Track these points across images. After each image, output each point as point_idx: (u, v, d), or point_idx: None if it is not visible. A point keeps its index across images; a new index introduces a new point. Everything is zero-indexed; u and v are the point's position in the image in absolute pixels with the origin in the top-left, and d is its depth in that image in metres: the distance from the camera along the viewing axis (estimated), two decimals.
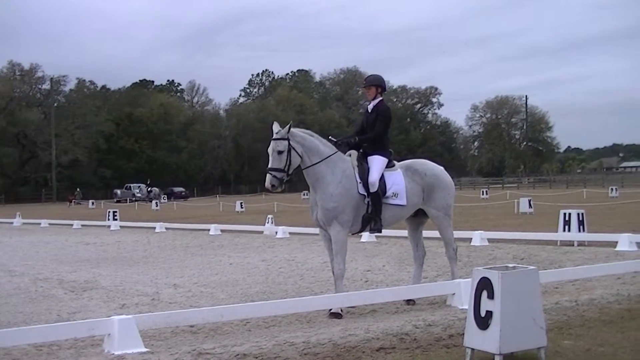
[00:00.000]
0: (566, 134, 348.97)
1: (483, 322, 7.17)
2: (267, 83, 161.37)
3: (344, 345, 8.62)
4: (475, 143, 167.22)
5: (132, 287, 14.71)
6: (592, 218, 24.19)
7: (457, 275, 12.25)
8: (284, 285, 14.32)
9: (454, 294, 11.25)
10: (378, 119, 11.80)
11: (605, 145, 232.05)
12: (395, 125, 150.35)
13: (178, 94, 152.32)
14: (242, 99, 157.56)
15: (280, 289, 13.92)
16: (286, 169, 11.09)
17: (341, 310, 10.99)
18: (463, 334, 7.61)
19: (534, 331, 7.23)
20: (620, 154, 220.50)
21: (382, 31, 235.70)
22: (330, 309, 10.93)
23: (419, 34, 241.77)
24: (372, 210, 11.40)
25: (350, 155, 11.67)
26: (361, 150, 11.77)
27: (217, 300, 12.79)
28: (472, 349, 7.34)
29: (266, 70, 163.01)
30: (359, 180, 11.34)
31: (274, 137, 11.16)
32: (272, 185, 11.06)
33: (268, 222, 29.46)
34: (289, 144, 11.11)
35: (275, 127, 11.29)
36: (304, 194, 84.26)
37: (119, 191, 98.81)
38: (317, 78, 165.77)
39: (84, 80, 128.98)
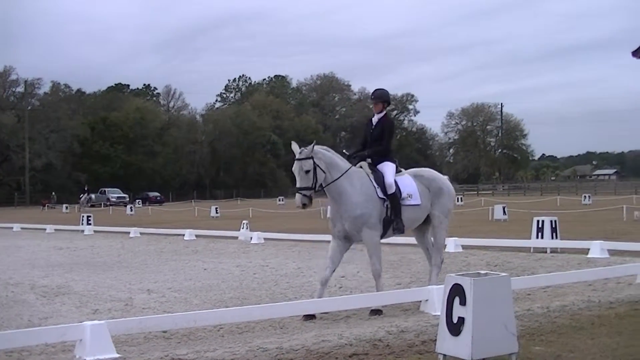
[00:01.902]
0: (541, 142, 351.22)
1: (455, 328, 7.20)
2: (243, 88, 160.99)
3: (317, 351, 8.63)
4: (451, 150, 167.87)
5: (105, 292, 14.63)
6: (565, 225, 24.33)
7: (435, 283, 12.37)
8: (258, 291, 14.30)
9: (426, 300, 11.29)
10: (385, 132, 12.45)
11: (579, 153, 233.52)
12: None
13: (154, 98, 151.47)
14: (218, 104, 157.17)
15: (254, 294, 13.90)
16: (313, 185, 11.53)
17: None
18: (435, 340, 7.64)
19: (506, 337, 7.27)
20: (594, 162, 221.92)
21: (360, 38, 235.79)
22: (371, 308, 11.47)
23: (396, 41, 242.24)
24: (392, 212, 11.96)
25: (361, 167, 12.22)
26: (369, 161, 12.34)
27: (191, 305, 12.75)
28: (445, 355, 7.37)
29: (243, 75, 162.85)
30: (376, 186, 11.91)
31: (298, 157, 11.55)
32: (304, 204, 11.54)
33: (243, 228, 29.38)
34: (314, 162, 11.50)
35: (295, 146, 11.79)
36: (279, 200, 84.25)
37: (93, 195, 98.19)
38: (294, 84, 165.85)
39: (59, 84, 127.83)
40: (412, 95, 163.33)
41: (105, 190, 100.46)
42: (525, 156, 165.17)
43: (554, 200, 62.54)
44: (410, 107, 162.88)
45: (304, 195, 11.45)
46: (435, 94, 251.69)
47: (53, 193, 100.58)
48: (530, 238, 21.00)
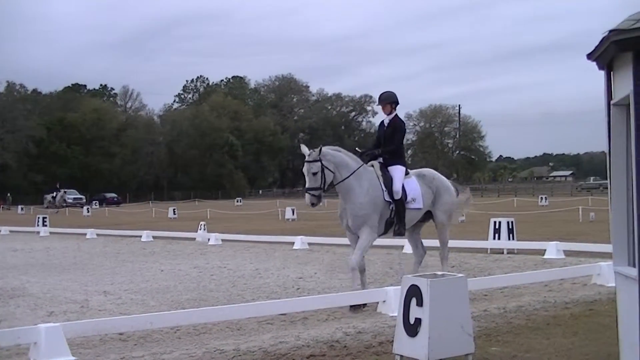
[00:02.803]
0: (498, 144, 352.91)
1: (412, 329, 7.23)
2: (201, 89, 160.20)
3: (275, 353, 8.63)
4: (409, 151, 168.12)
5: (61, 294, 14.48)
6: (521, 226, 24.53)
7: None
8: (215, 293, 14.23)
9: (384, 301, 11.31)
10: (396, 132, 13.08)
11: (536, 154, 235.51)
12: (329, 133, 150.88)
13: (111, 98, 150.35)
14: (176, 105, 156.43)
15: (212, 296, 13.83)
16: (322, 186, 12.18)
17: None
18: (393, 341, 7.65)
19: (462, 338, 7.31)
20: (550, 164, 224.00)
21: (318, 39, 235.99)
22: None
23: (354, 42, 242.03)
24: (396, 216, 12.60)
25: (372, 166, 12.82)
26: (381, 160, 12.96)
27: (148, 307, 12.66)
28: (401, 356, 7.39)
29: (201, 76, 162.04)
30: (384, 189, 12.52)
31: (306, 159, 12.23)
32: (312, 204, 12.30)
33: (201, 229, 29.26)
34: (322, 164, 12.13)
35: (304, 149, 12.48)
36: (237, 201, 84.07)
37: (49, 196, 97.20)
38: (252, 85, 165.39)
39: (14, 84, 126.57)
40: (370, 97, 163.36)
41: (52, 191, 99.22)
42: (483, 158, 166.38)
43: (511, 201, 63.04)
44: (369, 108, 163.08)
45: (313, 195, 12.15)
46: None
47: (8, 194, 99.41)
48: (487, 239, 21.13)
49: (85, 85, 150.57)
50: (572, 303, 11.80)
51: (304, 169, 12.25)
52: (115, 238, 31.02)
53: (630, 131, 5.21)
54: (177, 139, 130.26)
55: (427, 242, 19.93)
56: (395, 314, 8.14)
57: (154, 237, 29.37)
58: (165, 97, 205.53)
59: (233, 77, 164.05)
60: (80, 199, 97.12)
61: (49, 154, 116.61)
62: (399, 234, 12.91)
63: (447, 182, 13.96)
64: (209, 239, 26.90)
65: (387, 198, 12.48)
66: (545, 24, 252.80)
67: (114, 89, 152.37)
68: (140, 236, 29.63)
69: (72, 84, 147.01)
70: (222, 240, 26.59)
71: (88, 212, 63.56)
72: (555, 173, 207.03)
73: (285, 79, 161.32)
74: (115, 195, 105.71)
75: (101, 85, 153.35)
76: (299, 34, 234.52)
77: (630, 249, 5.61)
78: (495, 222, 21.04)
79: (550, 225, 31.24)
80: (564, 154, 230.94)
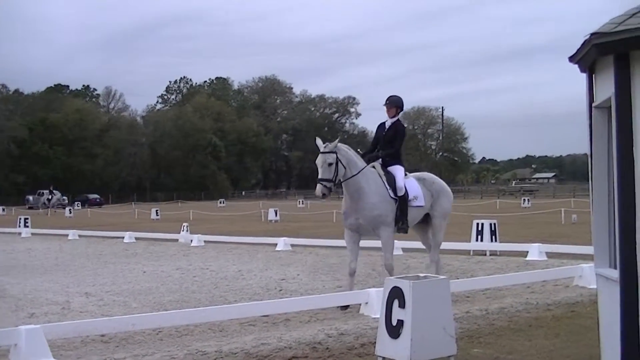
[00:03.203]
0: (481, 146, 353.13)
1: (394, 331, 7.22)
2: (184, 90, 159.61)
3: (257, 354, 8.62)
4: None
5: (42, 295, 14.41)
6: (504, 228, 24.60)
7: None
8: (197, 294, 14.20)
9: (366, 303, 11.32)
10: (397, 136, 13.52)
11: (518, 156, 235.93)
12: (312, 134, 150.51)
13: (94, 99, 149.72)
14: (159, 106, 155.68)
15: (194, 297, 13.80)
16: (334, 178, 12.36)
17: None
18: (375, 342, 7.65)
19: (445, 340, 7.32)
20: (533, 166, 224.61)
21: (302, 40, 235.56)
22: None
23: (338, 44, 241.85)
24: (400, 212, 12.89)
25: (374, 167, 13.11)
26: (381, 162, 13.26)
27: (130, 309, 12.61)
28: (384, 358, 7.38)
29: (184, 77, 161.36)
30: (388, 187, 12.84)
31: (322, 150, 12.48)
32: (323, 194, 12.39)
33: (183, 230, 29.22)
34: (337, 157, 12.37)
35: (319, 141, 12.79)
36: (220, 202, 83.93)
37: (31, 197, 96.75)
38: (236, 86, 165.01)
39: None
40: (354, 98, 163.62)
41: (43, 192, 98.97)
42: (466, 159, 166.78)
43: (493, 203, 63.20)
44: (352, 109, 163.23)
45: (325, 186, 12.28)
46: (377, 97, 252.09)
47: None
48: (470, 241, 21.18)
49: (68, 86, 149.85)
50: (554, 305, 11.84)
51: (318, 160, 12.43)
52: (97, 239, 30.87)
53: (611, 133, 5.23)
54: (160, 140, 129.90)
55: (406, 244, 19.99)
56: (378, 316, 8.14)
57: (136, 239, 29.27)
58: (148, 98, 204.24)
59: (216, 78, 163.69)
60: (63, 199, 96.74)
61: (31, 155, 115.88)
62: (404, 230, 13.17)
63: (446, 187, 14.34)
64: (191, 240, 26.84)
65: (392, 195, 12.81)
66: (529, 27, 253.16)
67: (96, 90, 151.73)
68: (123, 237, 29.52)
69: (54, 85, 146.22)
70: (205, 241, 26.53)
71: (70, 213, 63.28)
72: (537, 175, 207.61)
73: (269, 80, 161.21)
74: (98, 196, 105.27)
75: (84, 85, 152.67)
76: (283, 35, 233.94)
77: (612, 251, 5.63)
78: (477, 224, 21.09)
79: (532, 227, 31.35)
80: (546, 156, 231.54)
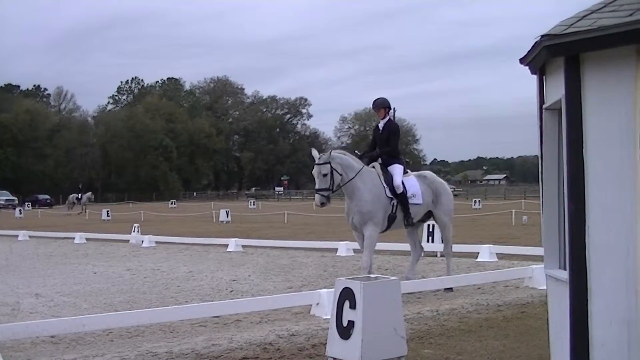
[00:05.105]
0: (433, 147, 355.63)
1: (345, 332, 7.21)
2: (136, 90, 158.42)
3: (208, 355, 8.59)
4: None
5: None
6: (455, 229, 24.59)
7: (451, 271, 14.73)
8: (148, 295, 14.11)
9: (317, 303, 11.30)
10: (391, 135, 14.10)
11: (470, 158, 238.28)
12: (263, 135, 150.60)
13: (44, 99, 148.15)
14: (110, 106, 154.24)
15: (145, 298, 13.70)
16: (331, 187, 13.02)
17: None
18: (326, 343, 7.64)
19: (395, 341, 7.32)
20: (484, 167, 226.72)
21: (254, 41, 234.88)
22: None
23: (289, 45, 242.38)
24: (402, 209, 13.59)
25: (374, 167, 13.78)
26: (380, 161, 13.92)
27: (80, 310, 12.49)
28: (334, 359, 7.36)
29: (135, 77, 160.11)
30: (385, 186, 13.45)
31: (317, 162, 13.07)
32: (322, 203, 13.09)
33: (134, 231, 29.00)
34: (331, 166, 13.00)
35: (315, 153, 13.37)
36: (171, 203, 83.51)
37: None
38: (187, 87, 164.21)
39: None
40: (306, 99, 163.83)
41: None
42: (417, 161, 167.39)
43: None
44: (304, 110, 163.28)
45: (322, 195, 12.98)
46: (328, 98, 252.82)
47: None
48: (421, 242, 21.20)
49: (18, 86, 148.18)
50: (505, 306, 11.92)
51: (314, 171, 13.04)
52: (47, 240, 30.57)
53: (561, 135, 5.26)
54: (111, 141, 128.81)
55: (357, 245, 20.00)
56: (329, 317, 8.13)
57: (87, 239, 29.04)
58: (99, 99, 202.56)
59: (168, 78, 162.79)
60: (12, 200, 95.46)
61: None
62: (409, 224, 13.97)
63: (446, 185, 15.13)
64: (142, 241, 26.67)
65: (389, 194, 13.39)
66: (479, 29, 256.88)
67: (47, 90, 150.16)
68: (74, 238, 29.26)
69: (4, 84, 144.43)
70: (156, 242, 26.38)
71: (20, 213, 62.51)
72: (488, 176, 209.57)
73: (221, 81, 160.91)
74: (48, 197, 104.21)
75: (34, 85, 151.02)
76: (234, 36, 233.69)
77: (561, 252, 5.67)
78: (429, 225, 21.04)
79: (483, 229, 31.55)
80: (497, 157, 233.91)
